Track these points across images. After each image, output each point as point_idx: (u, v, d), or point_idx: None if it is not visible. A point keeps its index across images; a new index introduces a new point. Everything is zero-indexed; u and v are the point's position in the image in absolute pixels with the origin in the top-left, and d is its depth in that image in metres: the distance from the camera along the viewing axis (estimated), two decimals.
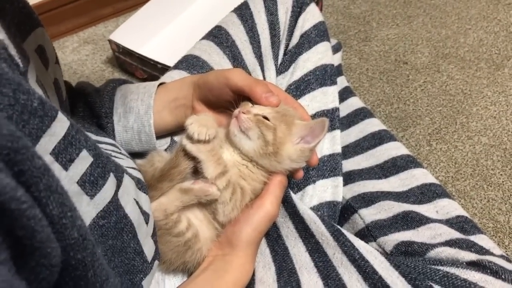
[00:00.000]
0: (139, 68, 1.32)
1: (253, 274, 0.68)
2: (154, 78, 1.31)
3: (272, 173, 0.65)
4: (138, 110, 0.71)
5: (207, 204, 0.63)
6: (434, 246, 0.67)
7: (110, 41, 1.31)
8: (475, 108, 1.26)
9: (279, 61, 0.91)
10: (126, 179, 0.51)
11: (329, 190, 0.81)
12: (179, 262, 0.64)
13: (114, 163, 0.49)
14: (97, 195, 0.42)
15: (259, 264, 0.70)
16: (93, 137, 0.63)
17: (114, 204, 0.45)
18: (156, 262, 0.59)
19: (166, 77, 0.86)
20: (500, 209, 1.06)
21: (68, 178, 0.38)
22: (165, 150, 0.76)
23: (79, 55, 1.48)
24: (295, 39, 0.90)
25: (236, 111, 0.63)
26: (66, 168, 0.38)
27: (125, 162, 0.60)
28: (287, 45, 0.91)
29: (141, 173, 0.62)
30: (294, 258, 0.69)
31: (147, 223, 0.55)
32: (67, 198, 0.32)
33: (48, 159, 0.36)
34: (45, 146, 0.35)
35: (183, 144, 0.59)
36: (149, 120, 0.71)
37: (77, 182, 0.40)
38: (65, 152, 0.38)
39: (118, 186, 0.47)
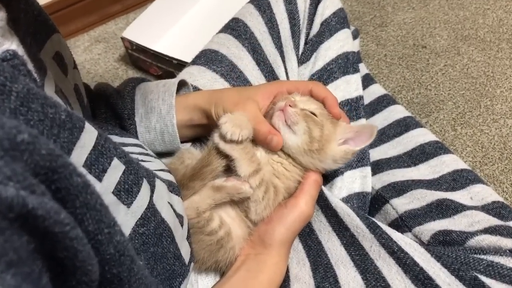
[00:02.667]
0: (154, 65, 1.31)
1: (287, 271, 0.67)
2: (169, 74, 1.29)
3: (307, 171, 0.64)
4: (160, 110, 0.70)
5: (239, 202, 0.62)
6: (473, 234, 0.65)
7: (123, 39, 1.29)
8: (499, 90, 1.23)
9: (300, 51, 0.88)
10: (158, 183, 0.50)
11: (357, 181, 0.79)
12: (211, 261, 0.63)
13: (145, 168, 0.48)
14: (134, 203, 0.42)
15: (293, 260, 0.69)
16: (118, 139, 0.62)
17: (151, 210, 0.45)
18: (192, 264, 0.58)
19: (185, 74, 0.84)
20: None
21: (104, 189, 0.38)
22: (192, 145, 0.75)
23: (91, 54, 1.46)
24: (315, 28, 0.88)
25: (281, 104, 0.62)
26: (100, 179, 0.37)
27: (154, 164, 0.59)
28: (307, 34, 0.89)
29: (171, 173, 0.61)
30: (329, 252, 0.67)
31: (182, 225, 0.54)
32: (106, 214, 0.31)
33: (82, 171, 0.34)
34: (77, 159, 0.34)
35: (216, 142, 0.58)
36: (172, 120, 0.69)
37: (113, 192, 0.39)
38: (97, 163, 0.37)
39: (152, 191, 0.46)
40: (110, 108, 0.72)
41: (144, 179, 0.44)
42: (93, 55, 1.46)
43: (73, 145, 0.34)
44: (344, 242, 0.67)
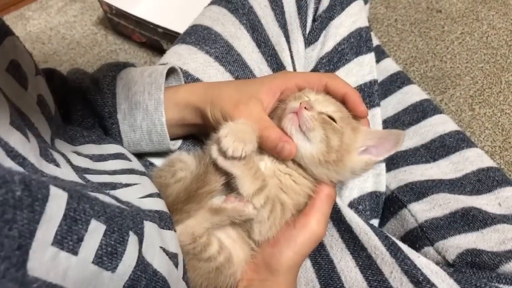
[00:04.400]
0: (136, 31, 1.17)
1: None
2: (154, 43, 1.17)
3: (318, 184, 0.55)
4: (146, 106, 0.60)
5: (240, 222, 0.54)
6: (508, 257, 0.57)
7: (101, 2, 1.14)
8: None
9: (308, 30, 0.76)
10: (147, 227, 0.42)
11: (370, 179, 0.72)
12: None
13: (131, 215, 0.40)
14: (119, 266, 0.36)
15: (301, 280, 0.62)
16: (96, 149, 0.55)
17: (141, 266, 0.39)
18: None
19: (172, 54, 0.73)
20: None
21: (81, 262, 0.32)
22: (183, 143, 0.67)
23: (66, 17, 1.31)
24: (325, 1, 0.75)
25: (295, 105, 0.53)
26: (75, 252, 0.32)
27: (139, 188, 0.50)
28: (316, 10, 0.77)
29: (160, 197, 0.52)
30: (342, 274, 0.60)
31: (176, 266, 0.47)
32: None
33: (51, 252, 0.29)
34: (44, 239, 0.29)
35: (214, 158, 0.50)
36: (161, 118, 0.60)
37: (93, 262, 0.33)
38: (70, 234, 0.31)
39: (141, 242, 0.40)
40: (88, 105, 0.62)
41: (130, 232, 0.38)
42: (68, 17, 1.31)
43: (36, 223, 0.28)
44: (360, 264, 0.59)
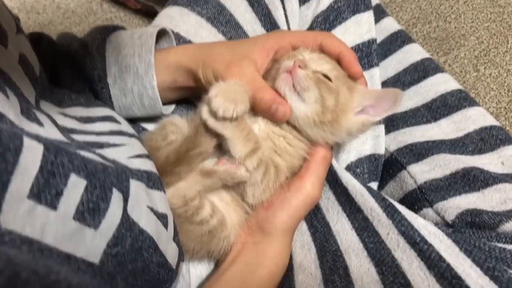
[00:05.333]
0: None
1: (290, 258, 0.61)
2: (149, 8, 1.14)
3: (313, 146, 0.54)
4: (137, 69, 0.59)
5: (234, 185, 0.55)
6: (509, 216, 0.56)
7: None
8: None
9: None
10: (134, 186, 0.42)
11: (368, 141, 0.71)
12: (203, 251, 0.57)
13: (115, 172, 0.39)
14: (102, 223, 0.35)
15: (296, 243, 0.62)
16: (84, 111, 0.53)
17: (126, 224, 0.38)
18: (181, 263, 0.52)
19: (164, 17, 0.73)
20: None
21: (60, 217, 0.31)
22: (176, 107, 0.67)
23: None
24: None
25: (288, 64, 0.52)
26: (54, 206, 0.31)
27: (128, 148, 0.50)
28: None
29: (150, 158, 0.52)
30: (338, 236, 0.59)
31: (166, 227, 0.47)
32: None
33: (27, 205, 0.29)
34: (19, 191, 0.28)
35: (204, 119, 0.49)
36: (152, 81, 0.59)
37: (74, 218, 0.33)
38: (48, 188, 0.30)
39: (126, 200, 0.39)
40: (76, 69, 0.61)
41: (113, 188, 0.37)
42: None
43: (9, 175, 0.27)
44: (356, 226, 0.58)
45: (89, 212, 0.34)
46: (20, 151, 0.28)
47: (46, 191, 0.30)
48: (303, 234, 0.61)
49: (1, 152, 0.27)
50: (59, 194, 0.31)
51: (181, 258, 0.51)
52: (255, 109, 0.53)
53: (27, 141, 0.29)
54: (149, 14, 1.20)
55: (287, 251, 0.56)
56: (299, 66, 0.51)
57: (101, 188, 0.36)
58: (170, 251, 0.47)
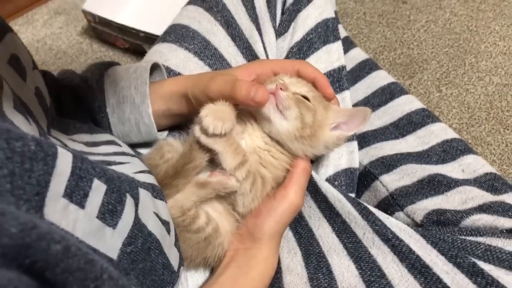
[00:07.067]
0: (120, 38, 1.22)
1: (279, 262, 0.65)
2: (137, 47, 1.21)
3: (295, 158, 0.60)
4: (133, 99, 0.64)
5: (225, 196, 0.59)
6: (468, 213, 0.63)
7: (84, 12, 1.19)
8: (483, 46, 1.19)
9: (277, 22, 0.82)
10: (142, 193, 0.46)
11: (344, 156, 0.76)
12: (200, 258, 0.60)
13: (127, 180, 0.44)
14: (119, 223, 0.40)
15: (284, 249, 0.66)
16: (88, 137, 0.58)
17: (138, 226, 0.43)
18: (182, 268, 0.56)
19: (154, 52, 0.78)
20: None
21: (87, 216, 0.36)
22: (168, 134, 0.71)
23: (51, 29, 1.35)
24: None
25: (271, 86, 0.58)
26: (83, 205, 0.35)
27: (132, 166, 0.55)
28: (284, 3, 0.82)
29: (151, 173, 0.57)
30: (320, 240, 0.65)
31: (169, 232, 0.51)
32: (92, 268, 0.29)
33: (62, 203, 0.33)
34: (56, 190, 0.32)
35: (197, 136, 0.54)
36: (147, 110, 0.64)
37: (97, 217, 0.37)
38: (77, 189, 0.35)
39: (137, 205, 0.44)
40: (79, 101, 0.66)
41: (127, 194, 0.42)
42: (54, 29, 1.35)
43: (50, 176, 0.31)
44: (336, 229, 0.64)
45: (109, 213, 0.38)
46: (56, 156, 0.32)
47: (76, 192, 0.34)
48: (289, 240, 0.67)
49: (43, 157, 0.31)
50: (86, 195, 0.35)
51: (181, 263, 0.55)
52: (238, 102, 0.55)
53: (60, 149, 0.33)
54: (137, 52, 1.26)
55: (275, 255, 0.60)
56: (281, 89, 0.57)
57: (118, 192, 0.40)
58: (172, 255, 0.51)
